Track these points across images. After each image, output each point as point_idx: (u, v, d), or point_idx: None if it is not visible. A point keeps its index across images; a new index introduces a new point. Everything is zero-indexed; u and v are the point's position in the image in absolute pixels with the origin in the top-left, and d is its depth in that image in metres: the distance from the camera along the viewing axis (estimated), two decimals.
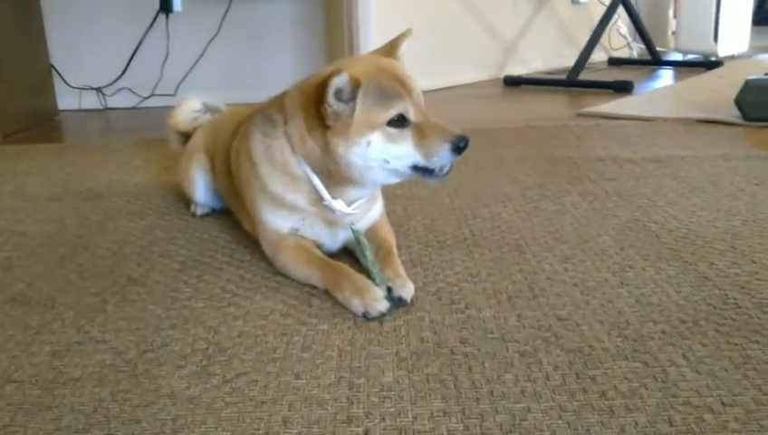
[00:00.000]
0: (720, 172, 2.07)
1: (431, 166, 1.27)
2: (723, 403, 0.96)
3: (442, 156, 1.26)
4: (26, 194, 2.11)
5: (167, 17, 3.61)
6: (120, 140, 2.87)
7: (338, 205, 1.35)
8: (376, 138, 1.25)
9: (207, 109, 1.98)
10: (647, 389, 1.00)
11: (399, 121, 1.25)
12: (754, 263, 1.41)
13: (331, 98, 1.22)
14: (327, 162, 1.31)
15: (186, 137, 1.96)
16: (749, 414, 0.93)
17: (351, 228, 1.36)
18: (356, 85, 1.22)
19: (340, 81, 1.20)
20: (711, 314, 1.21)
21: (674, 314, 1.21)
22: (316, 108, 1.25)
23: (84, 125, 3.42)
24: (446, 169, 1.28)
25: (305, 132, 1.31)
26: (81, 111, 3.66)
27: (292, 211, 1.40)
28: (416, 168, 1.28)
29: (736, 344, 1.11)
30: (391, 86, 1.26)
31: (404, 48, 1.40)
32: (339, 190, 1.35)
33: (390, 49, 1.39)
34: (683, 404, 0.96)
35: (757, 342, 1.11)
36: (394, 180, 1.33)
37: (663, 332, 1.15)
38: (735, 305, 1.24)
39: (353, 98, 1.23)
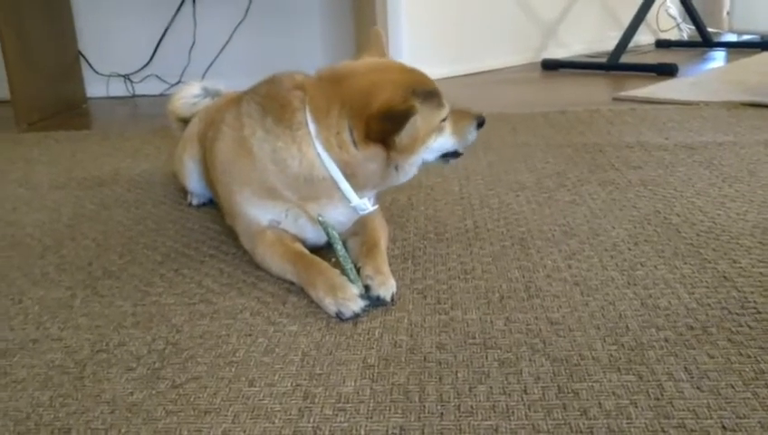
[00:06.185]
0: (760, 160, 1.89)
1: (461, 149, 1.32)
2: (723, 427, 0.83)
3: (472, 136, 1.32)
4: (30, 182, 2.08)
5: (193, 2, 3.56)
6: (142, 128, 2.82)
7: (363, 203, 1.28)
8: (432, 140, 1.25)
9: (207, 93, 1.90)
10: (636, 407, 0.87)
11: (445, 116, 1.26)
12: None
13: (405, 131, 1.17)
14: (366, 171, 1.22)
15: (187, 123, 1.88)
16: None
17: (319, 220, 1.25)
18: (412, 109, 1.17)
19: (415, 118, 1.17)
20: (725, 319, 1.07)
21: (681, 319, 1.08)
22: (383, 137, 1.18)
23: (111, 113, 3.39)
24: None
25: (349, 144, 1.20)
26: (108, 98, 3.65)
27: (277, 202, 1.30)
28: (444, 154, 1.31)
29: (749, 356, 0.97)
30: (430, 83, 1.24)
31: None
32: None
33: (380, 51, 1.37)
34: (676, 427, 0.83)
35: None
36: (414, 175, 1.30)
37: (666, 340, 1.02)
38: (755, 311, 1.09)
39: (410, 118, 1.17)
